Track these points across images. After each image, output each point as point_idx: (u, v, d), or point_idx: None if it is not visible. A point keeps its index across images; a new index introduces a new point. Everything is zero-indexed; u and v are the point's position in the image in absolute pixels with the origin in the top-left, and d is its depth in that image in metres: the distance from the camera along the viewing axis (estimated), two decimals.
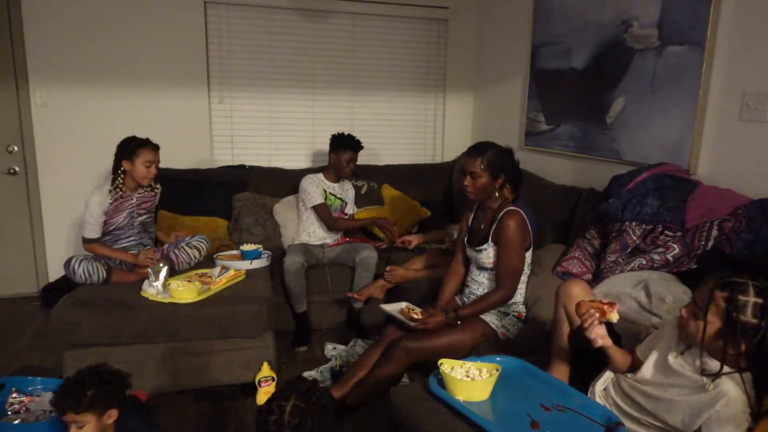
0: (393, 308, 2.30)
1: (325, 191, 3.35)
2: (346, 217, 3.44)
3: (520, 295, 2.28)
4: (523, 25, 3.62)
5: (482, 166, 2.14)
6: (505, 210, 2.16)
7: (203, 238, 2.96)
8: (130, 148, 2.70)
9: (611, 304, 1.60)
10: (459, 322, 2.15)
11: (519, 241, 2.13)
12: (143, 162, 2.69)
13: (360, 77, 4.18)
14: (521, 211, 2.16)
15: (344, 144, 3.32)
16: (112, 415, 1.61)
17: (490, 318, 2.21)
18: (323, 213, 3.27)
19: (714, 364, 1.37)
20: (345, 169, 3.32)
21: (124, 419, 1.66)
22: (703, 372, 1.39)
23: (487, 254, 2.20)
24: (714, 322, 1.35)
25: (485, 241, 2.21)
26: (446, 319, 2.15)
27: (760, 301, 1.30)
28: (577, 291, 1.81)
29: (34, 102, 3.55)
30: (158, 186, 2.92)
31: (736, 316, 1.30)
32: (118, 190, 2.71)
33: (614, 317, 1.58)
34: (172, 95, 3.79)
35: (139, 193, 2.81)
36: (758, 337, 1.30)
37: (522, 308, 2.27)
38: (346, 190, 3.49)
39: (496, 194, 2.22)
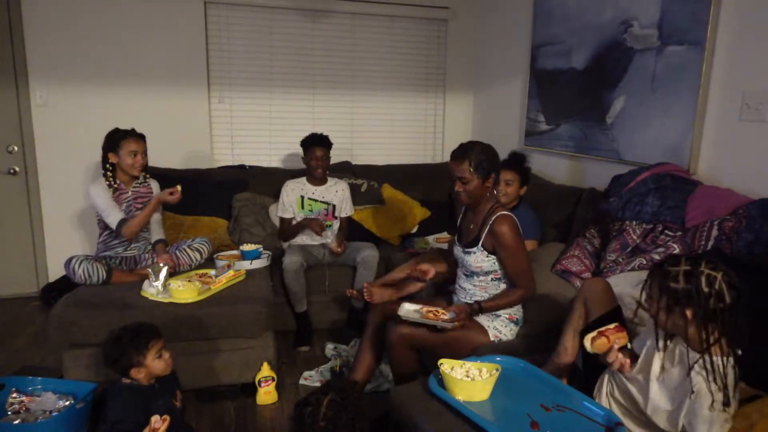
0: (414, 314, 2.13)
1: (302, 198, 3.30)
2: (336, 219, 3.37)
3: None
4: (523, 25, 3.62)
5: (471, 170, 2.07)
6: (495, 216, 2.11)
7: (205, 241, 2.96)
8: (114, 139, 2.73)
9: (618, 329, 1.63)
10: (481, 314, 2.16)
11: (518, 242, 2.11)
12: (128, 152, 2.72)
13: (360, 77, 4.19)
14: (511, 215, 2.12)
15: (310, 141, 3.28)
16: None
17: (482, 318, 2.18)
18: (282, 225, 3.38)
19: (693, 356, 1.39)
20: (318, 167, 3.25)
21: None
22: (683, 365, 1.41)
23: (475, 258, 2.16)
24: (658, 299, 1.42)
25: (475, 244, 2.17)
26: (470, 310, 2.13)
27: (688, 267, 1.36)
28: (600, 288, 1.85)
29: (34, 102, 3.55)
30: (151, 182, 2.91)
31: (667, 285, 1.38)
32: (110, 182, 2.74)
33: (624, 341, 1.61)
34: (172, 95, 3.79)
35: (134, 187, 2.82)
36: (696, 301, 1.34)
37: (514, 310, 2.23)
38: (334, 192, 3.35)
39: (487, 194, 2.16)
